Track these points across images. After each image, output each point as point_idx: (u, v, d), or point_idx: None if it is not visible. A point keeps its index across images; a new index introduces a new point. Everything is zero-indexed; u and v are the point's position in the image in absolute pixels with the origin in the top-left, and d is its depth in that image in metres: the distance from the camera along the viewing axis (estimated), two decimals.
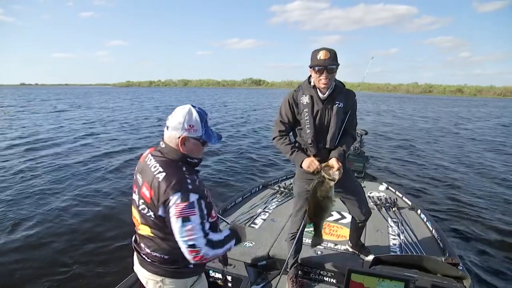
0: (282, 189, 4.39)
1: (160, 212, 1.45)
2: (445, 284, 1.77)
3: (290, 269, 2.55)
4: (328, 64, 2.10)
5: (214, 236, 1.50)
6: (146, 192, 1.49)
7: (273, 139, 2.42)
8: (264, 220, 3.46)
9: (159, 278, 1.61)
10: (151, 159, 1.54)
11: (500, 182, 8.12)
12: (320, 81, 2.16)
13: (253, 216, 3.52)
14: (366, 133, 5.43)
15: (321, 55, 2.11)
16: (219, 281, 2.56)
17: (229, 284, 2.53)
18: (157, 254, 1.58)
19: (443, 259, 2.04)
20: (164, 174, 1.45)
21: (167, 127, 1.52)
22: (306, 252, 2.78)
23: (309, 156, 2.28)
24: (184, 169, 1.50)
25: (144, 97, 52.81)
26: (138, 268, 1.68)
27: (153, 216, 1.49)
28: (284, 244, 2.78)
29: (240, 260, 2.70)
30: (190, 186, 1.42)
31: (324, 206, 2.12)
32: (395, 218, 3.59)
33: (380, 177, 5.35)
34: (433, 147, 12.99)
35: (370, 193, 4.36)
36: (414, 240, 3.09)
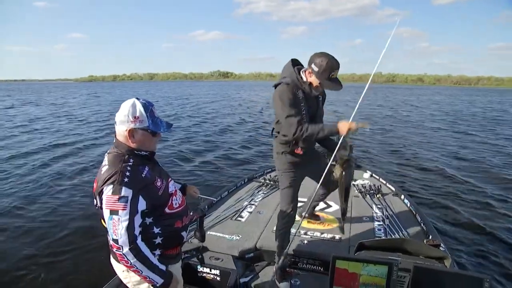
0: (267, 181, 4.39)
1: (99, 203, 1.49)
2: (427, 265, 1.81)
3: (280, 260, 2.56)
4: (339, 89, 2.26)
5: (145, 249, 1.49)
6: (94, 185, 1.54)
7: (294, 134, 2.28)
8: (251, 212, 3.47)
9: (124, 268, 1.62)
10: (105, 156, 1.57)
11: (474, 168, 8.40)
12: (318, 88, 2.30)
13: (239, 210, 3.52)
14: None
15: (336, 75, 2.25)
16: (206, 275, 2.56)
17: (217, 278, 2.53)
18: None
19: (425, 241, 2.09)
20: (107, 166, 1.50)
21: (115, 123, 1.55)
22: (293, 242, 2.80)
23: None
24: (130, 162, 1.51)
25: (103, 93, 50.67)
26: (112, 261, 1.71)
27: (100, 206, 1.51)
28: (271, 236, 2.79)
29: (227, 253, 2.70)
30: (126, 180, 1.44)
31: (347, 185, 2.47)
32: (379, 205, 3.64)
33: (364, 165, 5.43)
34: (412, 135, 13.26)
35: (355, 180, 4.41)
36: (398, 225, 3.15)
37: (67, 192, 6.36)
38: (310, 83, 2.30)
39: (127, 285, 1.76)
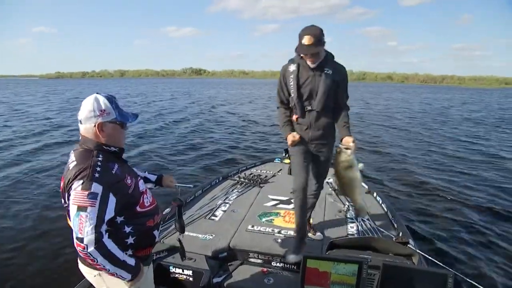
0: (242, 179, 4.38)
1: (66, 200, 1.42)
2: (396, 262, 1.85)
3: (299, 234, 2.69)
4: (310, 51, 2.28)
5: (111, 246, 1.43)
6: (61, 183, 1.48)
7: (277, 108, 2.70)
8: (224, 211, 3.44)
9: (95, 272, 1.58)
10: (70, 155, 1.51)
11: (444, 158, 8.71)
12: (307, 60, 2.40)
13: (213, 208, 3.48)
14: None
15: (305, 41, 2.25)
16: (179, 276, 2.52)
17: (190, 279, 2.49)
18: None
19: (394, 238, 2.14)
20: (75, 162, 1.44)
21: (80, 121, 1.50)
22: (267, 241, 2.80)
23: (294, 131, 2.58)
24: (100, 157, 1.46)
25: (64, 89, 48.35)
26: (80, 265, 1.64)
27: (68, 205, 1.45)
28: (245, 234, 2.78)
29: (200, 253, 2.67)
30: (96, 175, 1.39)
31: (350, 178, 2.23)
32: (352, 203, 3.70)
33: None
34: (383, 132, 13.62)
35: (328, 179, 4.45)
36: (370, 223, 3.21)
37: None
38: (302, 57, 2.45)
39: None
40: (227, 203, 3.65)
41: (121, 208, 1.48)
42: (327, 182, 4.31)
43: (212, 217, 3.30)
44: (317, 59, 2.38)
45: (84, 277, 1.75)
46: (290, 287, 2.12)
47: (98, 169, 1.41)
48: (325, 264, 1.72)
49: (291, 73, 2.48)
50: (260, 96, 37.26)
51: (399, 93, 49.38)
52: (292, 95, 2.51)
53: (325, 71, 2.41)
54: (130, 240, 1.56)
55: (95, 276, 1.60)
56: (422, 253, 2.25)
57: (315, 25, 2.30)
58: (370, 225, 3.17)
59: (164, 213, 3.28)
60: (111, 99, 1.52)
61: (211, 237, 2.88)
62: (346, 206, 3.56)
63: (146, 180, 1.97)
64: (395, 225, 3.15)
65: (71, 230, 1.42)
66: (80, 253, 1.39)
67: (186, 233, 2.96)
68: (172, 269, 2.52)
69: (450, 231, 4.80)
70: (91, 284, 1.72)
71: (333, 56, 2.50)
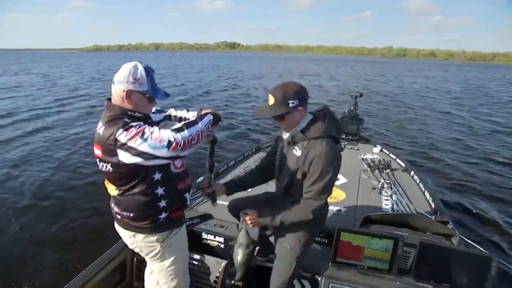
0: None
1: (118, 157, 1.42)
2: (434, 241, 1.78)
3: None
4: (265, 115, 1.76)
5: (180, 125, 1.47)
6: (96, 150, 1.51)
7: None
8: None
9: (131, 234, 1.66)
10: (99, 122, 1.53)
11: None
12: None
13: None
14: (361, 95, 5.34)
15: (268, 100, 1.74)
16: (211, 243, 2.58)
17: (221, 246, 2.55)
18: (125, 213, 1.61)
19: (433, 217, 2.05)
20: (104, 126, 1.46)
21: (113, 82, 1.51)
22: None
23: None
24: (126, 119, 1.48)
25: (99, 62, 50.43)
26: (116, 227, 1.73)
27: (110, 168, 1.48)
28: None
29: (232, 222, 2.71)
30: (128, 121, 1.45)
31: None
32: (388, 180, 3.59)
33: (374, 139, 5.34)
34: (426, 112, 12.99)
35: (364, 155, 4.35)
36: (406, 201, 3.11)
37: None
38: None
39: (135, 249, 1.78)
40: None
41: (162, 162, 1.50)
42: (363, 158, 4.22)
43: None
44: (288, 126, 1.79)
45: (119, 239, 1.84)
46: (320, 260, 2.11)
47: (128, 121, 1.45)
48: (359, 238, 1.68)
49: (279, 140, 2.01)
50: (292, 70, 36.52)
51: (441, 71, 46.65)
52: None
53: (294, 151, 1.78)
54: (163, 203, 1.61)
55: (129, 237, 1.68)
56: (462, 236, 2.15)
57: (290, 83, 1.73)
58: (406, 203, 3.07)
59: (197, 181, 3.35)
60: (148, 71, 1.53)
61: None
62: (381, 183, 3.46)
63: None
64: (432, 205, 3.03)
65: (102, 194, 1.48)
66: (175, 149, 1.41)
67: (218, 201, 3.03)
68: (204, 235, 2.59)
69: (493, 218, 4.54)
70: (126, 245, 1.81)
71: (321, 130, 1.70)
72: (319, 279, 1.74)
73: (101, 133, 1.46)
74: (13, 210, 4.58)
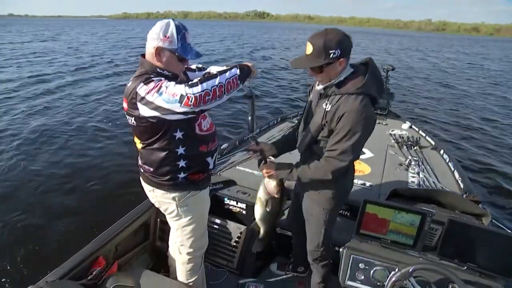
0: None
1: (139, 111, 1.43)
2: (464, 219, 1.71)
3: None
4: (302, 66, 1.61)
5: (196, 79, 1.42)
6: (124, 103, 1.52)
7: None
8: None
9: (151, 188, 1.72)
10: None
11: None
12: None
13: None
14: (393, 69, 5.12)
15: (305, 48, 1.56)
16: (233, 208, 2.62)
17: (243, 212, 2.58)
18: (146, 166, 1.65)
19: (464, 196, 1.97)
20: (131, 81, 1.48)
21: (147, 39, 1.51)
22: None
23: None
24: (154, 76, 1.47)
25: (125, 29, 50.51)
26: (141, 181, 1.79)
27: (134, 122, 1.51)
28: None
29: (255, 189, 2.72)
30: (152, 76, 1.44)
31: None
32: (415, 157, 3.48)
33: (404, 116, 5.16)
34: (461, 91, 12.38)
35: (392, 131, 4.22)
36: (434, 179, 3.02)
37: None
38: None
39: (155, 204, 1.82)
40: None
41: (184, 120, 1.48)
42: (390, 134, 4.09)
43: (269, 156, 3.31)
44: (324, 79, 1.61)
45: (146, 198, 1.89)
46: (342, 231, 2.10)
47: (153, 77, 1.45)
48: (385, 211, 1.64)
49: (311, 92, 1.83)
50: None
51: (482, 48, 43.92)
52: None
53: (324, 105, 1.61)
54: (182, 163, 1.62)
55: (149, 191, 1.75)
56: (494, 220, 2.07)
57: (332, 30, 1.51)
58: (433, 181, 2.98)
59: (222, 147, 3.37)
60: (180, 29, 1.49)
61: None
62: (409, 159, 3.36)
63: None
64: (462, 185, 2.92)
65: (128, 149, 1.50)
66: (191, 106, 1.37)
67: (241, 168, 3.06)
68: (227, 201, 2.62)
69: None
70: (150, 206, 1.86)
71: (362, 86, 1.51)
72: (341, 249, 1.73)
73: (127, 86, 1.49)
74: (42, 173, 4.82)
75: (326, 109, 1.58)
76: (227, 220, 2.59)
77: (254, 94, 1.70)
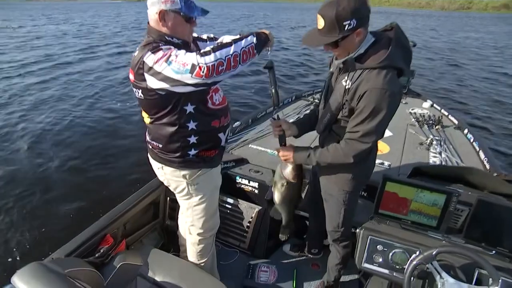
0: (316, 101, 4.14)
1: (147, 82, 1.34)
2: (494, 200, 1.57)
3: None
4: (314, 44, 1.41)
5: (208, 48, 1.30)
6: (130, 75, 1.42)
7: None
8: None
9: (159, 165, 1.63)
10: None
11: None
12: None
13: None
14: (414, 45, 4.83)
15: (316, 22, 1.38)
16: (245, 187, 2.54)
17: (255, 191, 2.50)
18: (154, 142, 1.57)
19: (494, 174, 1.81)
20: (138, 50, 1.37)
21: (148, 7, 1.39)
22: None
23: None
24: (162, 44, 1.36)
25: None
26: (149, 158, 1.70)
27: (142, 95, 1.40)
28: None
29: (267, 167, 2.63)
30: (161, 45, 1.33)
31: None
32: (437, 136, 3.30)
33: (424, 94, 4.92)
34: (487, 72, 11.81)
35: (412, 109, 4.02)
36: (457, 159, 2.85)
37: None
38: None
39: (164, 182, 1.75)
40: None
41: (195, 93, 1.39)
42: (410, 112, 3.91)
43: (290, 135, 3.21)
44: (341, 53, 1.43)
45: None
46: (360, 211, 1.99)
47: (161, 46, 1.34)
48: (407, 190, 1.52)
49: (332, 66, 1.63)
50: None
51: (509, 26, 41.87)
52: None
53: (343, 81, 1.44)
54: (193, 139, 1.52)
55: (158, 168, 1.67)
56: None
57: None
58: (456, 162, 2.81)
59: (234, 125, 3.27)
60: None
61: None
62: (430, 138, 3.19)
63: None
64: (488, 165, 2.74)
65: (136, 126, 1.42)
66: (203, 76, 1.26)
67: (254, 147, 2.96)
68: (239, 180, 2.54)
69: None
70: (159, 184, 1.78)
71: (386, 59, 1.32)
72: (358, 230, 1.63)
73: (134, 56, 1.38)
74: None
75: (346, 86, 1.41)
76: (239, 200, 2.53)
77: (274, 64, 1.57)
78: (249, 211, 2.49)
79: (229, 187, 2.54)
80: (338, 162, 1.51)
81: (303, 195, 1.77)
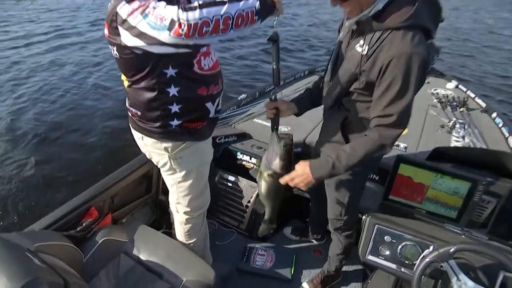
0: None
1: (121, 38, 1.15)
2: None
3: None
4: None
5: (196, 3, 1.09)
6: (105, 29, 1.22)
7: None
8: None
9: (139, 135, 1.44)
10: None
11: None
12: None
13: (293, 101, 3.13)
14: (441, 20, 4.46)
15: None
16: (246, 164, 2.37)
17: (257, 167, 2.32)
18: (133, 109, 1.38)
19: None
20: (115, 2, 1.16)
21: None
22: None
23: None
24: None
25: None
26: (130, 127, 1.51)
27: (117, 53, 1.21)
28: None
29: None
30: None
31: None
32: (461, 119, 3.01)
33: (449, 74, 4.55)
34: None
35: (435, 89, 3.70)
36: (482, 144, 2.58)
37: None
38: None
39: (146, 154, 1.59)
40: None
41: (178, 55, 1.19)
42: (432, 93, 3.60)
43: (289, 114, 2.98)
44: (351, 10, 1.19)
45: None
46: (367, 197, 1.78)
47: None
48: (424, 174, 1.30)
49: (341, 29, 1.39)
50: None
51: None
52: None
53: (357, 46, 1.21)
54: (175, 107, 1.32)
55: (138, 139, 1.50)
56: None
57: None
58: (481, 147, 2.55)
59: (239, 98, 3.07)
60: None
61: (285, 129, 2.59)
62: (453, 121, 2.91)
63: None
64: None
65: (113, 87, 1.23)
66: (183, 36, 1.07)
67: (259, 121, 2.75)
68: (240, 156, 2.37)
69: None
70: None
71: (412, 16, 1.08)
72: (363, 217, 1.42)
73: (108, 7, 1.18)
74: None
75: (362, 52, 1.17)
76: (239, 177, 2.36)
77: (279, 37, 1.32)
78: (249, 190, 2.33)
79: (229, 163, 2.38)
80: (374, 155, 1.24)
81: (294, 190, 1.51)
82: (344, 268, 2.00)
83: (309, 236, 2.29)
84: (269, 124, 2.63)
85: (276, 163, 1.32)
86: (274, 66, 1.36)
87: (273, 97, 1.46)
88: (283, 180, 1.31)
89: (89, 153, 3.95)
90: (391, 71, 1.10)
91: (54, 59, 7.05)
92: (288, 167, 1.33)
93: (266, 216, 1.57)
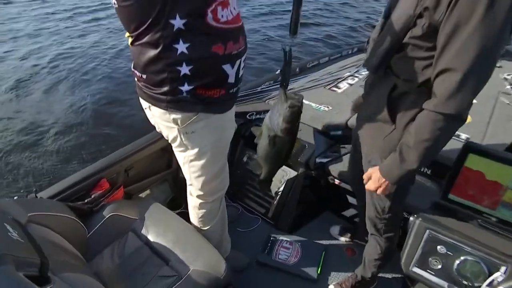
0: None
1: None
2: None
3: None
4: None
5: None
6: None
7: None
8: (351, 85, 2.72)
9: (146, 104, 1.21)
10: None
11: None
12: None
13: (338, 79, 2.78)
14: None
15: None
16: None
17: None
18: (137, 71, 1.15)
19: None
20: None
21: None
22: None
23: None
24: None
25: None
26: (137, 93, 1.28)
27: (115, 1, 1.01)
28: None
29: (309, 124, 2.16)
30: None
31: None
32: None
33: None
34: None
35: (508, 75, 3.18)
36: None
37: None
38: None
39: (155, 126, 1.38)
40: (356, 77, 2.88)
41: (189, 3, 0.97)
42: (505, 77, 3.08)
43: (334, 88, 2.65)
44: None
45: None
46: (417, 194, 1.46)
47: None
48: (502, 170, 0.95)
49: None
50: None
51: None
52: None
53: None
54: (185, 68, 1.07)
55: (145, 109, 1.28)
56: None
57: None
58: None
59: (276, 73, 2.81)
60: None
61: (326, 108, 2.30)
62: None
63: None
64: None
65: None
66: None
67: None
68: None
69: None
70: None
71: None
72: (411, 218, 1.12)
73: None
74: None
75: None
76: None
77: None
78: (279, 174, 2.08)
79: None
80: (447, 134, 0.98)
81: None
82: (380, 274, 1.71)
83: (360, 238, 2.00)
84: (307, 102, 2.37)
85: (278, 125, 1.09)
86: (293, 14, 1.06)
87: (287, 48, 1.09)
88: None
89: (121, 128, 3.92)
90: (460, 6, 0.80)
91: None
92: (291, 131, 1.11)
93: (262, 176, 1.37)
